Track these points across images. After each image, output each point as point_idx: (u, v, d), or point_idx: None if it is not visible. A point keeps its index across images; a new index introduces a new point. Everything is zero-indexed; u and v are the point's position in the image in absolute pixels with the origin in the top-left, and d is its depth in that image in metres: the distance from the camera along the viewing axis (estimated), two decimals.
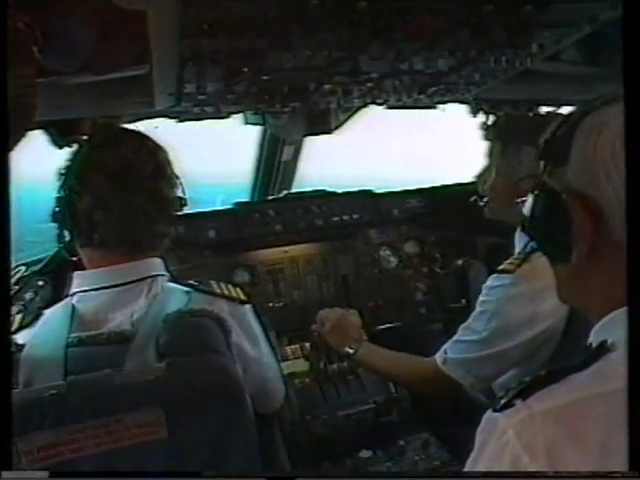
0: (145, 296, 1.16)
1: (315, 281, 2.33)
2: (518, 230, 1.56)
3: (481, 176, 1.63)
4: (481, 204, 1.65)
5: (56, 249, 1.78)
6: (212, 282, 1.26)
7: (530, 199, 0.79)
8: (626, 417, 0.58)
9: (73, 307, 1.16)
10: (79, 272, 1.21)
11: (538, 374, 0.67)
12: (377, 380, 2.12)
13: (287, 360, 2.13)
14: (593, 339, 0.72)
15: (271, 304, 2.22)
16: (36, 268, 1.79)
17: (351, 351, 1.74)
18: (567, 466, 0.59)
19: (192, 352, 1.07)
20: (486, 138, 1.60)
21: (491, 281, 1.46)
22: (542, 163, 0.78)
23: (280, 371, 1.47)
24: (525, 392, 0.65)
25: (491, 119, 1.75)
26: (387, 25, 1.24)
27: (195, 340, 1.09)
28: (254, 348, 1.27)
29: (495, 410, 0.66)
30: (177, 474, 0.99)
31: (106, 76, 1.34)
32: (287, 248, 2.31)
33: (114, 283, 1.17)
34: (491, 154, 1.58)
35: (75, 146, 1.29)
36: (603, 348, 0.65)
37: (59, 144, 1.58)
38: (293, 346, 2.18)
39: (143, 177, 1.18)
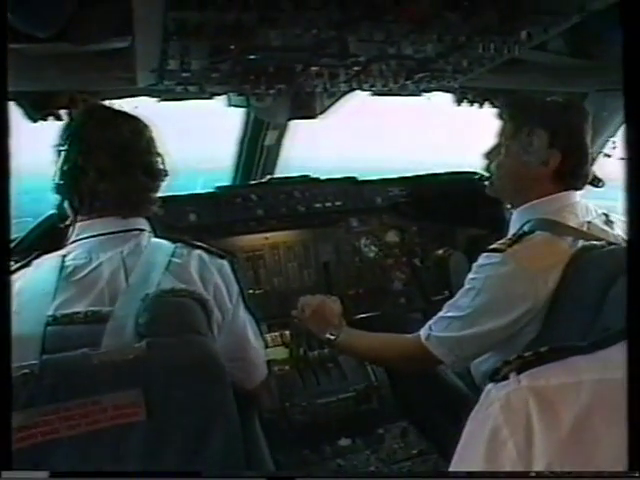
0: (134, 238, 1.27)
1: (296, 268, 2.31)
2: (515, 212, 1.58)
3: (489, 154, 1.62)
4: (485, 182, 1.65)
5: (27, 230, 1.73)
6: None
7: None
8: (614, 409, 0.57)
9: (63, 258, 1.21)
10: (73, 226, 1.30)
11: (539, 350, 0.66)
12: (357, 368, 2.12)
13: (267, 348, 2.10)
14: None
15: (251, 291, 2.19)
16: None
17: (332, 337, 1.73)
18: (542, 448, 0.58)
19: (173, 332, 1.04)
20: (500, 117, 1.59)
21: (481, 259, 1.46)
22: None
23: (262, 343, 1.49)
24: (523, 367, 0.64)
25: (507, 98, 1.74)
26: (378, 5, 1.22)
27: (176, 320, 1.06)
28: (231, 299, 1.31)
29: (493, 381, 0.66)
30: (177, 474, 0.97)
31: (85, 47, 1.29)
32: (268, 234, 2.28)
33: (105, 231, 1.26)
34: (502, 133, 1.58)
35: (68, 123, 1.36)
36: (618, 335, 0.63)
37: (33, 118, 1.52)
38: (273, 334, 2.15)
39: (139, 152, 1.30)
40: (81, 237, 1.27)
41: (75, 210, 1.30)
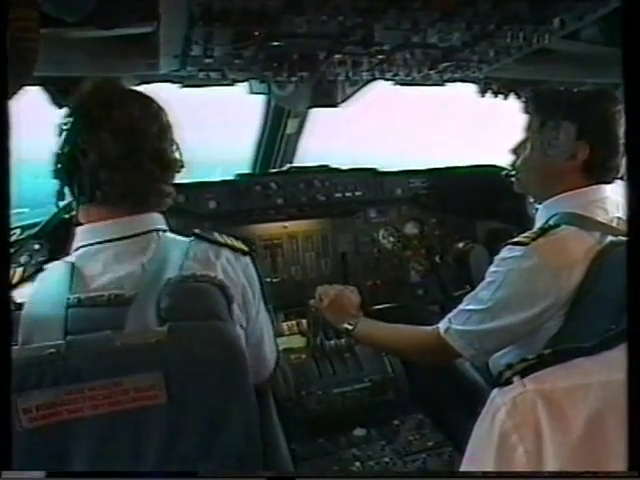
0: (152, 242, 1.17)
1: (313, 258, 2.31)
2: (541, 206, 1.55)
3: (516, 150, 1.60)
4: (511, 178, 1.62)
5: (52, 212, 1.75)
6: (214, 233, 1.26)
7: None
8: (623, 410, 0.56)
9: (72, 266, 1.12)
10: (80, 228, 1.18)
11: (542, 353, 0.65)
12: (374, 358, 2.13)
13: (283, 336, 2.12)
14: None
15: (268, 279, 2.20)
16: (32, 231, 1.75)
17: (350, 327, 1.73)
18: (553, 452, 0.57)
19: (194, 317, 1.04)
20: (525, 111, 1.56)
21: (504, 252, 1.44)
22: None
23: (274, 335, 1.46)
24: (527, 370, 0.63)
25: (532, 92, 1.70)
26: None
27: (197, 305, 1.06)
28: (254, 298, 1.28)
29: (497, 386, 0.65)
30: (176, 474, 0.98)
31: (111, 32, 1.29)
32: (287, 223, 2.28)
33: (120, 236, 1.16)
34: (529, 128, 1.55)
35: (75, 103, 1.22)
36: (622, 335, 0.62)
37: (59, 103, 1.53)
38: (289, 322, 2.17)
39: (148, 137, 1.17)
40: (90, 242, 1.16)
41: (77, 200, 1.18)
